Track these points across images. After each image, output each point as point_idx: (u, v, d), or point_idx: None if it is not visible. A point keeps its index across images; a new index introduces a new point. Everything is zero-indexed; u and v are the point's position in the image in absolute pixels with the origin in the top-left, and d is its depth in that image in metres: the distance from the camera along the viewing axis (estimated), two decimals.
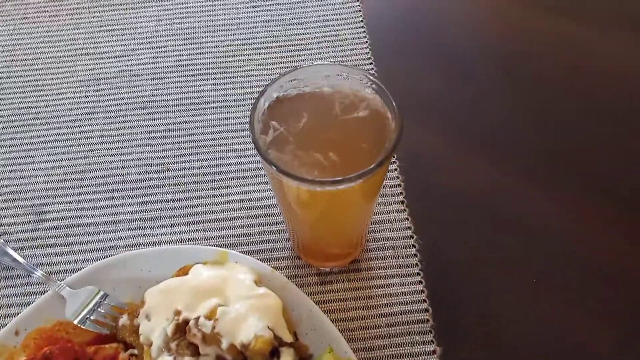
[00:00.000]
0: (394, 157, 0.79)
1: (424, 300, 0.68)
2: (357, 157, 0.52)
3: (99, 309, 0.63)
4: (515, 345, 0.65)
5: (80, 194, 0.79)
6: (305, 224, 0.64)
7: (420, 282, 0.69)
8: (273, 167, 0.50)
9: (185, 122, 0.86)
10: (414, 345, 0.65)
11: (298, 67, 0.56)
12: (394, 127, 0.53)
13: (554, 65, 0.90)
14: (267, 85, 0.56)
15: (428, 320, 0.66)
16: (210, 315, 0.59)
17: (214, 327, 0.58)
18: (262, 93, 0.55)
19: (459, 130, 0.83)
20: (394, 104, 0.53)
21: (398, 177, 0.78)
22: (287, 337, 0.59)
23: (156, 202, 0.78)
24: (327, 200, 0.54)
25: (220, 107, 0.87)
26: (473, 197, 0.76)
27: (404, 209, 0.75)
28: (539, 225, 0.73)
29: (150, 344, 0.60)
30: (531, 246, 0.72)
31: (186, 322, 0.59)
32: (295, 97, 0.57)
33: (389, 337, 0.65)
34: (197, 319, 0.59)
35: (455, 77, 0.89)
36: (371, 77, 0.55)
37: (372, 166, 0.49)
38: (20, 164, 0.82)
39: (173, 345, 0.59)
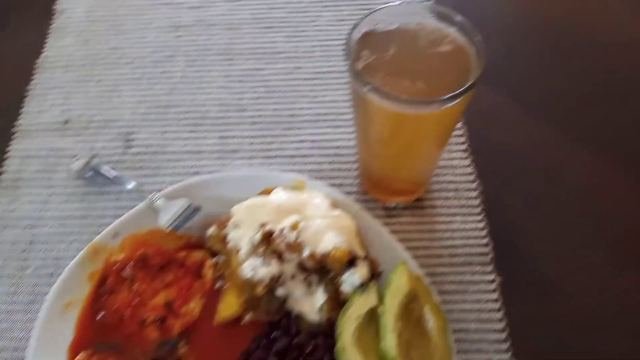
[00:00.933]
0: None
1: (485, 237, 0.73)
2: (442, 88, 0.57)
3: (190, 219, 0.69)
4: (565, 283, 0.69)
5: (164, 125, 0.85)
6: (380, 155, 0.69)
7: (481, 221, 0.74)
8: (367, 85, 0.55)
9: (260, 69, 0.91)
10: (474, 274, 0.70)
11: (389, 5, 0.61)
12: (477, 61, 0.58)
13: (616, 34, 0.93)
14: (360, 19, 0.61)
15: (488, 254, 0.71)
16: (293, 228, 0.65)
17: (297, 237, 0.64)
18: (355, 26, 0.61)
19: (521, 93, 0.87)
20: (477, 40, 0.58)
21: (462, 128, 0.83)
22: (361, 254, 0.65)
23: (234, 137, 0.84)
24: (412, 124, 0.59)
25: (292, 57, 0.93)
26: (530, 155, 0.81)
27: (467, 157, 0.80)
28: (589, 185, 0.77)
29: (238, 250, 0.66)
30: (581, 202, 0.76)
31: (271, 232, 0.65)
32: (385, 31, 0.62)
33: (451, 266, 0.71)
34: (282, 229, 0.65)
35: (520, 45, 0.93)
36: (454, 15, 0.60)
37: (460, 90, 0.54)
38: (109, 97, 0.88)
39: (260, 251, 0.65)
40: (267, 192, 0.72)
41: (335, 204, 0.70)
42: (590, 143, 0.81)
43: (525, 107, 0.86)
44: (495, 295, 0.68)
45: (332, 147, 0.82)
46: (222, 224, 0.69)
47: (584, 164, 0.80)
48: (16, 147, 0.83)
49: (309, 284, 0.65)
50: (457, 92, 0.54)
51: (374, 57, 0.60)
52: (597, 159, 0.80)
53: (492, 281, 0.69)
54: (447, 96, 0.54)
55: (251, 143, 0.83)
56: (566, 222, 0.75)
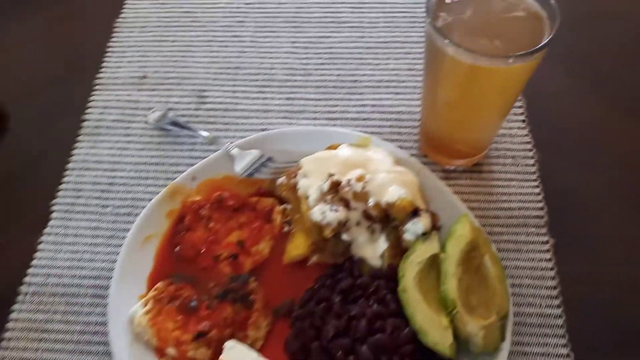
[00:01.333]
0: None
1: (540, 201, 0.76)
2: (516, 48, 0.60)
3: (262, 168, 0.74)
4: (616, 248, 0.73)
5: (234, 85, 0.90)
6: (445, 117, 0.73)
7: (537, 186, 0.77)
8: (447, 40, 0.59)
9: (325, 37, 0.96)
10: (529, 235, 0.73)
11: None
12: (550, 25, 0.61)
13: None
14: None
15: (543, 217, 0.74)
16: (360, 179, 0.69)
17: (363, 188, 0.68)
18: None
19: (577, 69, 0.90)
20: (550, 4, 0.61)
21: (521, 101, 0.85)
22: (424, 206, 0.69)
23: (300, 99, 0.88)
24: (485, 78, 0.62)
25: (356, 27, 0.96)
26: (585, 127, 0.83)
27: (525, 127, 0.83)
28: None
29: (307, 197, 0.70)
30: (633, 172, 0.79)
31: (339, 182, 0.70)
32: None
33: (507, 227, 0.74)
34: (349, 180, 0.69)
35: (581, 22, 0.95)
36: None
37: (535, 47, 0.57)
38: (182, 57, 0.94)
39: (328, 198, 0.69)
40: (333, 147, 0.76)
41: (398, 162, 0.74)
42: None
43: (581, 82, 0.88)
44: (548, 255, 0.71)
45: (393, 112, 0.86)
46: (292, 174, 0.73)
47: (637, 137, 0.81)
48: (97, 99, 0.89)
49: (372, 232, 0.69)
50: (533, 49, 0.57)
51: (452, 18, 0.63)
52: None
53: (546, 242, 0.72)
54: (523, 52, 0.57)
55: (315, 105, 0.87)
56: (618, 191, 0.77)
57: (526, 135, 0.82)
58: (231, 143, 0.76)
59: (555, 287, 0.69)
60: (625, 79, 0.88)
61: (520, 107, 0.85)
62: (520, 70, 0.60)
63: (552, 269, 0.71)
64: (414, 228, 0.66)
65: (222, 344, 0.63)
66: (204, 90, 0.90)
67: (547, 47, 0.59)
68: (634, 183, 0.78)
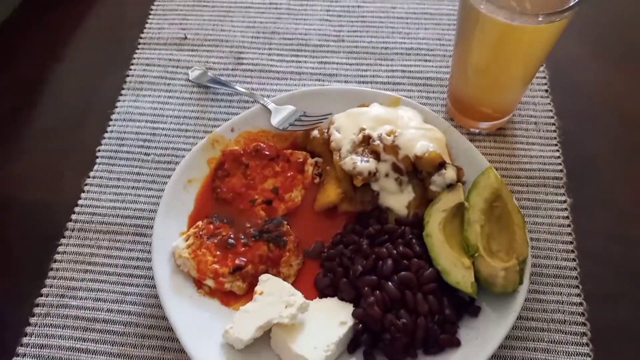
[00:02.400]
0: None
1: (559, 164, 0.79)
2: (545, 9, 0.63)
3: (297, 123, 0.79)
4: (631, 208, 0.77)
5: (270, 49, 0.95)
6: (473, 81, 0.77)
7: (557, 150, 0.81)
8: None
9: (358, 6, 1.00)
10: (547, 194, 0.77)
11: None
12: None
13: None
14: None
15: (562, 178, 0.78)
16: (390, 133, 0.73)
17: (393, 141, 0.73)
18: None
19: (603, 44, 0.93)
20: None
21: (544, 70, 0.89)
22: (450, 161, 0.73)
23: (332, 63, 0.92)
24: (515, 37, 0.66)
25: None
26: (605, 97, 0.87)
27: (547, 96, 0.87)
28: None
29: (340, 149, 0.75)
30: None
31: (370, 136, 0.74)
32: None
33: (527, 186, 0.78)
34: (380, 134, 0.73)
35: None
36: None
37: (565, 7, 0.61)
38: (221, 21, 0.98)
39: (359, 150, 0.73)
40: (364, 106, 0.80)
41: (426, 121, 0.78)
42: None
43: (603, 53, 0.92)
44: (565, 213, 0.75)
45: (422, 78, 0.90)
46: (324, 129, 0.78)
47: None
48: (140, 56, 0.94)
49: (400, 183, 0.73)
50: (562, 8, 0.61)
51: None
52: None
53: (564, 202, 0.76)
54: (553, 11, 0.61)
55: (347, 69, 0.92)
56: (637, 157, 0.80)
57: (548, 103, 0.86)
58: (269, 98, 0.81)
59: (571, 242, 0.73)
60: None
61: (543, 77, 0.89)
62: (549, 30, 0.64)
63: (569, 225, 0.74)
64: (440, 180, 0.70)
65: (256, 279, 0.68)
66: (241, 52, 0.94)
67: (576, 7, 0.62)
68: None
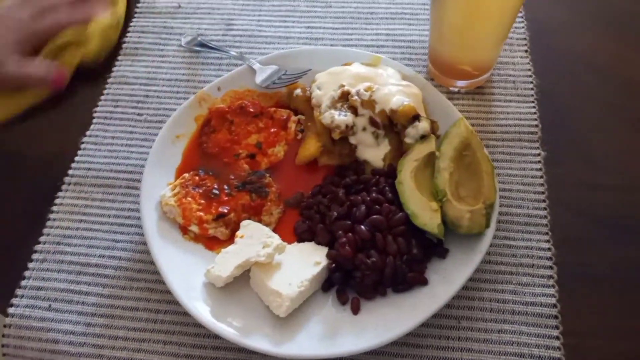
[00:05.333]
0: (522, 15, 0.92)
1: (535, 119, 0.82)
2: None
3: (279, 81, 0.82)
4: (606, 160, 0.79)
5: (259, 15, 0.98)
6: (449, 33, 0.79)
7: (534, 106, 0.83)
8: None
9: None
10: (522, 148, 0.79)
11: None
12: None
13: None
14: None
15: (537, 133, 0.80)
16: (368, 89, 0.76)
17: (370, 96, 0.76)
18: None
19: (583, 6, 0.94)
20: None
21: (525, 32, 0.91)
22: (426, 115, 0.76)
23: (319, 28, 0.95)
24: None
25: None
26: (585, 56, 0.89)
27: (526, 57, 0.89)
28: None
29: (320, 105, 0.78)
30: (628, 97, 0.85)
31: (349, 92, 0.77)
32: None
33: (502, 140, 0.80)
34: (358, 90, 0.77)
35: None
36: None
37: None
38: None
39: (338, 105, 0.77)
40: (346, 65, 0.83)
41: (405, 78, 0.80)
42: None
43: (582, 15, 0.93)
44: (539, 166, 0.78)
45: (405, 41, 0.93)
46: (306, 87, 0.81)
47: (636, 66, 0.86)
48: (136, 24, 0.98)
49: (376, 137, 0.76)
50: None
51: None
52: None
53: (538, 154, 0.79)
54: None
55: (333, 33, 0.95)
56: (612, 111, 0.83)
57: (527, 63, 0.88)
58: (254, 58, 0.84)
59: (542, 193, 0.76)
60: (628, 10, 0.93)
61: (524, 38, 0.91)
62: None
63: (541, 177, 0.77)
64: (413, 131, 0.73)
65: (239, 226, 0.72)
66: (232, 19, 0.98)
67: None
68: (630, 105, 0.83)
